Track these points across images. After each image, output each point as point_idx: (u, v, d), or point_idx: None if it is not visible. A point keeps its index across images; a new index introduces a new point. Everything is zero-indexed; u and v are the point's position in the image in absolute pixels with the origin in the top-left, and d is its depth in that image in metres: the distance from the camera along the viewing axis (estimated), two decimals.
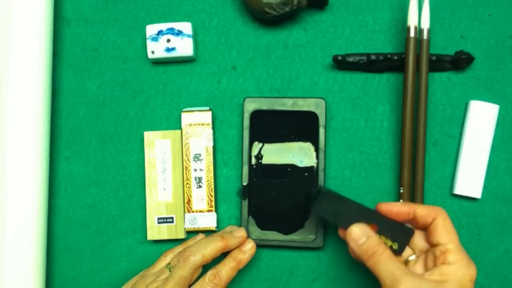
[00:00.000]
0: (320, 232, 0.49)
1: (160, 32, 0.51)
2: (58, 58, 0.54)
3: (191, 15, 0.53)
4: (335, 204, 0.44)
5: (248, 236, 0.49)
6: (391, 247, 0.43)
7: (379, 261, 0.40)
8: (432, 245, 0.41)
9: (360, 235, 0.42)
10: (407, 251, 0.44)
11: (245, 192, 0.50)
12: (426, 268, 0.41)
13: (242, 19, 0.53)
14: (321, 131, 0.49)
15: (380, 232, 0.43)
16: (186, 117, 0.51)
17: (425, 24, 0.48)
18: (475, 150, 0.49)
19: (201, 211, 0.51)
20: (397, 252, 0.43)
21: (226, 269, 0.46)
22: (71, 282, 0.52)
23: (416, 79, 0.49)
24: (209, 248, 0.45)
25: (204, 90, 0.53)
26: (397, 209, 0.43)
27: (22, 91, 0.49)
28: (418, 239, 0.43)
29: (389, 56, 0.49)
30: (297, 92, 0.52)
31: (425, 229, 0.43)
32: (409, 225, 0.43)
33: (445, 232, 0.41)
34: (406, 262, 0.43)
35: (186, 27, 0.50)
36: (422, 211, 0.42)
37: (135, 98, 0.53)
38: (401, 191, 0.49)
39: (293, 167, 0.50)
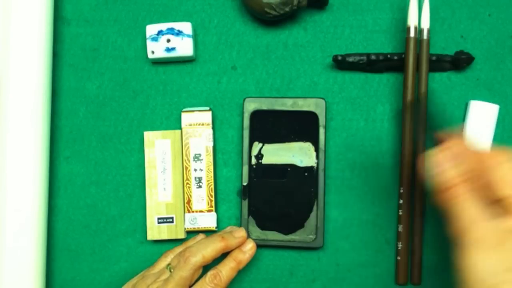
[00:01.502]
0: (320, 232, 0.49)
1: (160, 32, 0.51)
2: (58, 58, 0.54)
3: (191, 15, 0.53)
4: None
5: (248, 236, 0.49)
6: None
7: (458, 197, 0.36)
8: (495, 200, 0.35)
9: (446, 161, 0.37)
10: None
11: (245, 192, 0.50)
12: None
13: (242, 19, 0.53)
14: (321, 131, 0.49)
15: None
16: (186, 117, 0.51)
17: (425, 24, 0.48)
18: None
19: (201, 211, 0.51)
20: None
21: (226, 269, 0.46)
22: (71, 282, 0.52)
23: (416, 79, 0.49)
24: (209, 249, 0.45)
25: (204, 90, 0.52)
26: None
27: (22, 91, 0.49)
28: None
29: (389, 56, 0.49)
30: (297, 92, 0.52)
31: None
32: None
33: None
34: None
35: (186, 27, 0.50)
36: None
37: (135, 98, 0.53)
38: (401, 191, 0.49)
39: (293, 167, 0.50)
